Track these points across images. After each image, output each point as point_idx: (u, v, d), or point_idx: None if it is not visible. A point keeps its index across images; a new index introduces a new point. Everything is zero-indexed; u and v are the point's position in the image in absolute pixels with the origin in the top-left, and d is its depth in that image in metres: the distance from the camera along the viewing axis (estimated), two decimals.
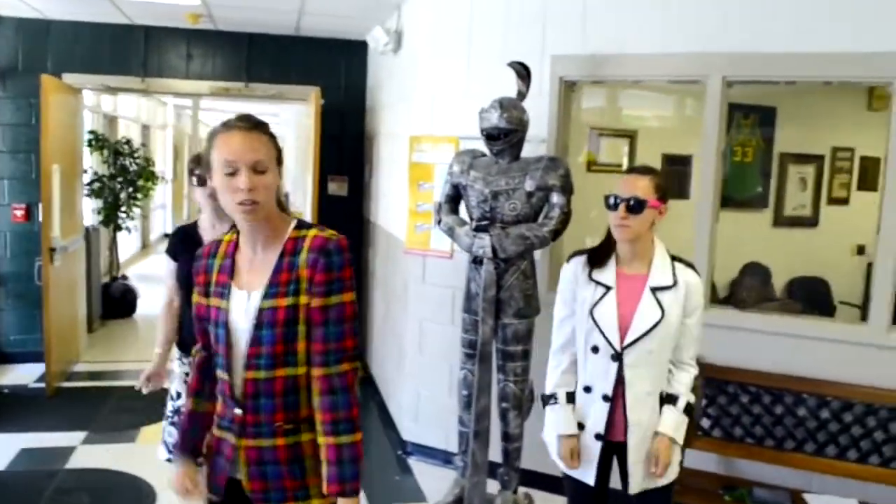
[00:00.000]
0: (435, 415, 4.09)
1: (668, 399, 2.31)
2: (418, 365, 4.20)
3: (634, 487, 2.28)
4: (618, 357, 2.26)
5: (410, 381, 4.26)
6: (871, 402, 3.11)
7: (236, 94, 5.70)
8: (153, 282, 7.29)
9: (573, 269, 2.37)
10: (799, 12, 3.21)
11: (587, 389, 2.35)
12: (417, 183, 4.07)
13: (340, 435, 1.63)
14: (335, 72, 5.96)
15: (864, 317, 3.28)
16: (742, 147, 6.40)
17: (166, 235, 11.21)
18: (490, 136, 3.26)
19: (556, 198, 3.22)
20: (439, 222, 3.48)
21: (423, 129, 4.05)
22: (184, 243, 2.80)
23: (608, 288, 2.27)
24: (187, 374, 2.92)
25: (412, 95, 4.29)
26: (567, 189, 3.22)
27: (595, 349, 2.29)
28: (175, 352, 2.97)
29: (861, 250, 6.99)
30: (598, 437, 2.32)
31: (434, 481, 3.86)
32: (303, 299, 1.63)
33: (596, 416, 2.33)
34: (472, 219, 3.36)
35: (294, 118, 7.05)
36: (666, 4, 3.45)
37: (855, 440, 3.12)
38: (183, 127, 14.04)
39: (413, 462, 4.17)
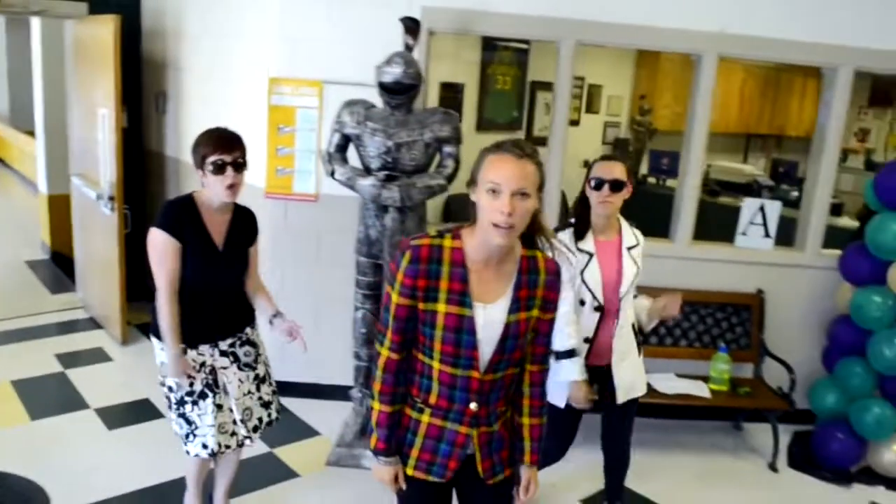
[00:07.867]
0: (300, 352, 4.20)
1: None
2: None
3: (621, 398, 2.87)
4: (599, 308, 2.77)
5: None
6: None
7: None
8: None
9: (566, 241, 2.74)
10: None
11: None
12: (277, 126, 4.00)
13: (542, 417, 1.98)
14: None
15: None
16: (502, 76, 7.16)
17: None
18: (391, 89, 3.41)
19: (450, 148, 3.53)
20: (332, 173, 3.54)
21: (282, 71, 3.94)
22: (187, 217, 2.61)
23: (591, 255, 2.76)
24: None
25: (263, 35, 4.08)
26: (459, 140, 3.55)
27: (582, 302, 2.77)
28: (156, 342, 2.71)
29: (586, 163, 8.38)
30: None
31: (314, 413, 4.16)
32: (535, 313, 1.87)
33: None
34: (367, 169, 3.52)
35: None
36: None
37: (669, 330, 4.11)
38: None
39: (286, 401, 4.28)
